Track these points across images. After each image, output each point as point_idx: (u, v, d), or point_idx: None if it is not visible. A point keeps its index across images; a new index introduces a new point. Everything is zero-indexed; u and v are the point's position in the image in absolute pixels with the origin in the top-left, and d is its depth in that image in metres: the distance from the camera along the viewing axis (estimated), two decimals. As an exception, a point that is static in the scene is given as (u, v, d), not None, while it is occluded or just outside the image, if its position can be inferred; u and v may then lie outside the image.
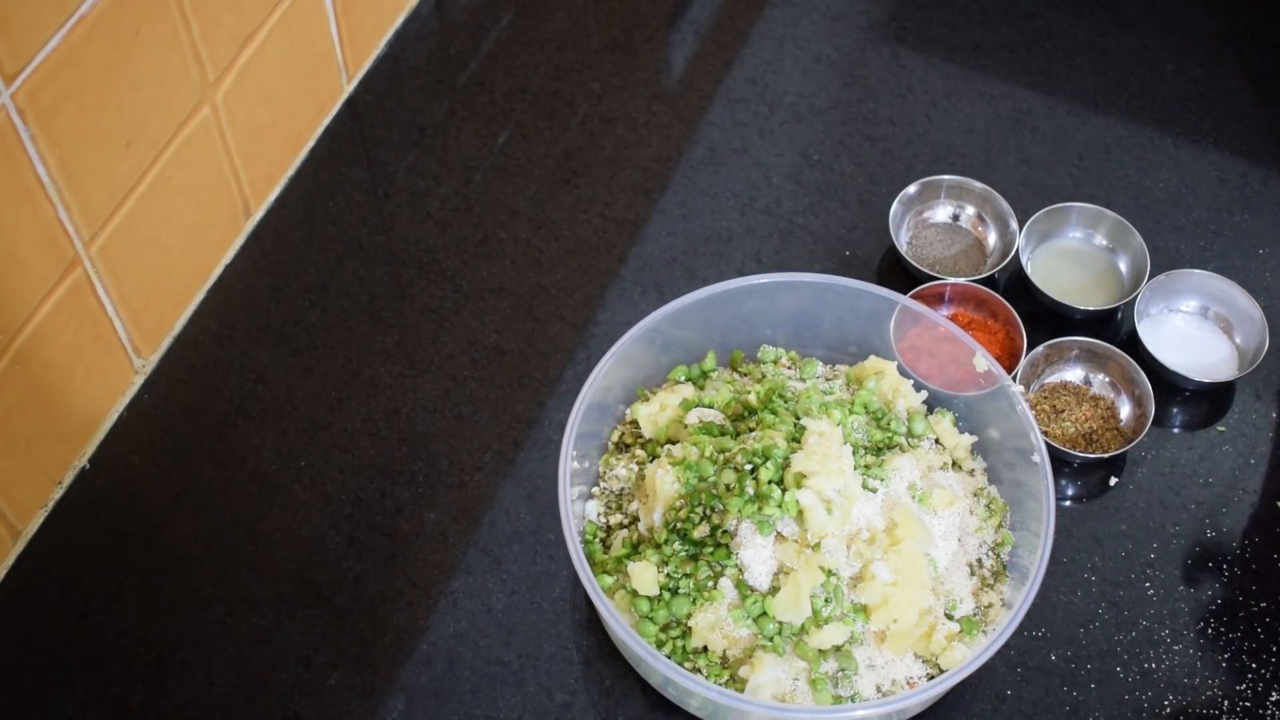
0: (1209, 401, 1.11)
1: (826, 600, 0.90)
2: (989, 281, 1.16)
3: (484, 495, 1.06)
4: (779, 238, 1.19)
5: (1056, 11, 1.35)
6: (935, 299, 1.13)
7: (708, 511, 0.93)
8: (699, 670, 0.91)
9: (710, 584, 0.91)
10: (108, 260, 1.02)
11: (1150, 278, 1.13)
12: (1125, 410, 1.09)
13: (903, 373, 1.04)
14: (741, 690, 0.90)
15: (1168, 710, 0.97)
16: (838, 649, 0.91)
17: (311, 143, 1.23)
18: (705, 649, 0.92)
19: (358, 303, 1.15)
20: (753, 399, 1.00)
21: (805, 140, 1.25)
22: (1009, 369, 1.08)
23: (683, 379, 1.05)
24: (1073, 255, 1.18)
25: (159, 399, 1.10)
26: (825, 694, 0.90)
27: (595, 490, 1.02)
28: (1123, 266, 1.17)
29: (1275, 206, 1.22)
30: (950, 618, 0.95)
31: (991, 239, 1.19)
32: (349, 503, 1.05)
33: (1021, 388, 1.04)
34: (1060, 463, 1.06)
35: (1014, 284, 1.17)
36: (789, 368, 1.06)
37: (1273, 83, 1.30)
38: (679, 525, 0.93)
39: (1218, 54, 1.32)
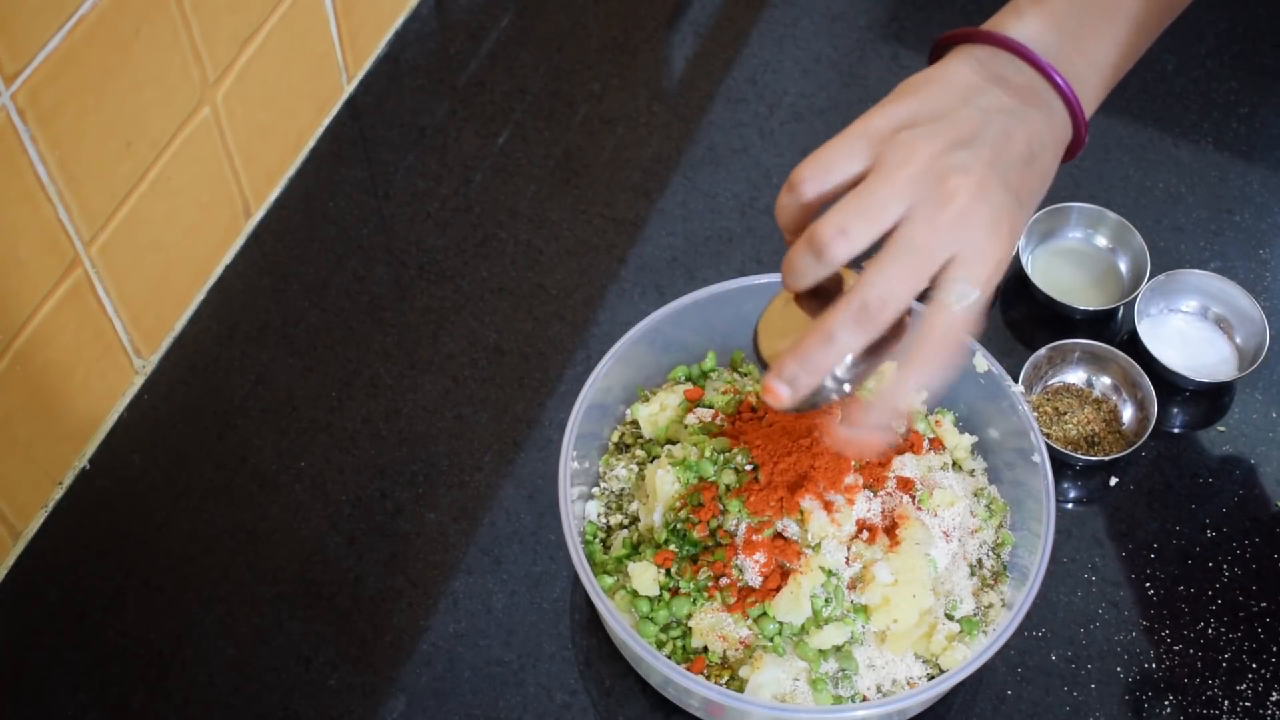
0: (1209, 401, 1.11)
1: (826, 601, 0.90)
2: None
3: (484, 495, 1.06)
4: (779, 238, 1.19)
5: (1056, 11, 1.34)
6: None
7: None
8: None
9: (710, 584, 0.91)
10: (108, 260, 1.02)
11: (1150, 278, 1.13)
12: (1128, 413, 1.09)
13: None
14: (741, 690, 0.90)
15: (1168, 710, 0.97)
16: (838, 649, 0.91)
17: (311, 143, 1.23)
18: (705, 649, 0.92)
19: (358, 303, 1.15)
20: (753, 399, 1.00)
21: (805, 140, 1.25)
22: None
23: (683, 379, 1.05)
24: (1073, 255, 1.18)
25: (159, 399, 1.10)
26: (825, 694, 0.90)
27: (595, 491, 1.01)
28: (1123, 266, 1.17)
29: (1275, 206, 1.22)
30: (950, 618, 0.94)
31: (991, 239, 1.19)
32: (349, 503, 1.05)
33: (1021, 388, 1.04)
34: (1061, 464, 1.06)
35: (1014, 284, 1.17)
36: (789, 368, 1.06)
37: (1273, 83, 1.30)
38: (679, 526, 0.93)
39: (1218, 54, 1.32)
